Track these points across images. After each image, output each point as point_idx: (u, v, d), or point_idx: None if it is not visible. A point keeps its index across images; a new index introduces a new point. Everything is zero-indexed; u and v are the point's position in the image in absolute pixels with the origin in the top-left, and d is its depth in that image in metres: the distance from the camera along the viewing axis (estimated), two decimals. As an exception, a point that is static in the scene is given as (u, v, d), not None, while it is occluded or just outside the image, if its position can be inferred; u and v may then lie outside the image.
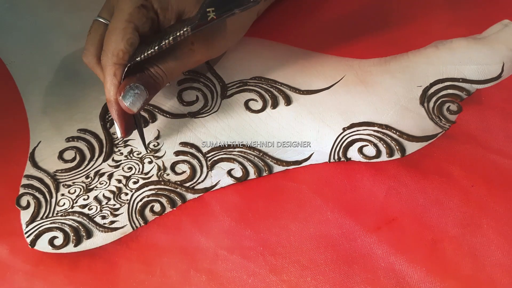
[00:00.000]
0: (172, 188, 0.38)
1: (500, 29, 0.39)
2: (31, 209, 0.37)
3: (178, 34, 0.32)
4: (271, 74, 0.42)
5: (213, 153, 0.39)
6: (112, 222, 0.37)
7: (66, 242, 0.36)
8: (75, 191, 0.38)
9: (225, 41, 0.38)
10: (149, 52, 0.33)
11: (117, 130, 0.36)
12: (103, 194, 0.38)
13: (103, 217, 0.37)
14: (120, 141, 0.40)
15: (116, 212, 0.37)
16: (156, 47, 0.33)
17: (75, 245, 0.36)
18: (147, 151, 0.39)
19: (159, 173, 0.38)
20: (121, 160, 0.39)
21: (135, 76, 0.34)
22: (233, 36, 0.40)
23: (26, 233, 0.36)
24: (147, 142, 0.39)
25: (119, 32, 0.32)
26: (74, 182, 0.38)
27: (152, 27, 0.34)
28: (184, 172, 0.39)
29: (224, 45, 0.38)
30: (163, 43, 0.33)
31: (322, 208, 0.37)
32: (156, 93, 0.35)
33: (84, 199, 0.37)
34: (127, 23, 0.33)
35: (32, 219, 0.37)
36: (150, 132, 0.40)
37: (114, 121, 0.35)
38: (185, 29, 0.32)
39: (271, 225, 0.37)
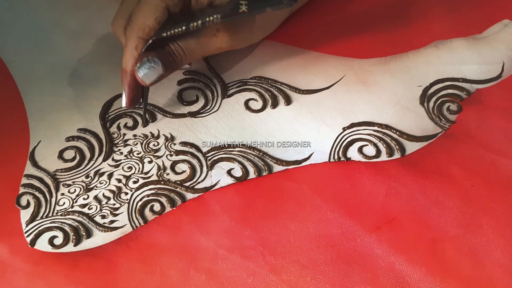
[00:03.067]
0: (172, 188, 0.38)
1: (500, 29, 0.39)
2: (31, 209, 0.37)
3: (207, 19, 0.33)
4: (271, 73, 0.42)
5: (213, 152, 0.39)
6: (112, 221, 0.37)
7: (66, 242, 0.36)
8: (75, 190, 0.38)
9: (251, 35, 0.39)
10: (176, 30, 0.34)
11: (123, 99, 0.37)
12: (103, 194, 0.38)
13: (103, 217, 0.37)
14: (120, 141, 0.40)
15: (116, 212, 0.37)
16: (183, 27, 0.33)
17: (75, 245, 0.36)
18: (143, 124, 0.40)
19: (159, 172, 0.38)
20: (121, 160, 0.39)
21: (154, 51, 0.34)
22: (261, 31, 0.40)
23: (26, 232, 0.36)
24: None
25: (150, 8, 0.33)
26: (74, 182, 0.38)
27: (182, 9, 0.35)
28: (184, 171, 0.39)
29: (249, 38, 0.39)
30: (191, 24, 0.33)
31: (322, 208, 0.37)
32: (172, 71, 0.36)
33: (84, 199, 0.37)
34: (159, 1, 0.33)
35: (32, 218, 0.37)
36: (148, 129, 0.40)
37: (123, 90, 0.36)
38: (215, 16, 0.33)
39: (271, 225, 0.37)
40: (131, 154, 0.39)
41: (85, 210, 0.37)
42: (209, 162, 0.39)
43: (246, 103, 0.41)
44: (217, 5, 0.35)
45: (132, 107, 0.37)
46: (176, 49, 0.35)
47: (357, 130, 0.39)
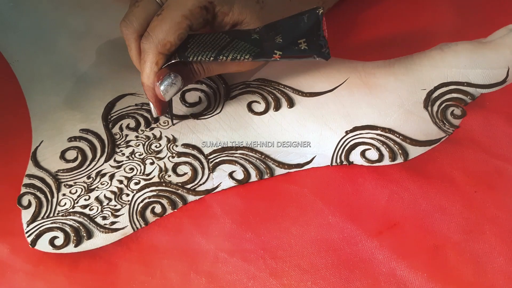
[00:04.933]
0: (173, 190, 0.38)
1: (505, 34, 0.39)
2: (32, 209, 0.37)
3: (238, 57, 0.33)
4: (274, 76, 0.42)
5: (214, 155, 0.39)
6: (113, 223, 0.37)
7: (66, 242, 0.36)
8: (76, 191, 0.38)
9: None
10: (203, 58, 0.33)
11: (153, 110, 0.38)
12: (104, 195, 0.38)
13: (104, 218, 0.37)
14: (122, 142, 0.40)
15: (117, 213, 0.37)
16: (211, 58, 0.33)
17: (76, 246, 0.36)
18: (172, 124, 0.40)
19: (161, 174, 0.38)
20: (122, 161, 0.39)
21: (176, 67, 0.34)
22: None
23: (26, 232, 0.36)
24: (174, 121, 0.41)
25: (174, 25, 0.32)
26: (75, 182, 0.38)
27: (203, 26, 0.34)
28: (185, 173, 0.38)
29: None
30: (220, 57, 0.33)
31: (323, 212, 0.37)
32: (188, 84, 0.36)
33: (85, 199, 0.37)
34: (184, 18, 0.32)
35: (33, 218, 0.37)
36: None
37: (150, 103, 0.37)
38: (246, 57, 0.33)
39: (272, 228, 0.36)
40: (133, 156, 0.39)
41: (86, 211, 0.37)
42: (210, 165, 0.39)
43: (249, 105, 0.40)
44: (242, 31, 0.35)
45: (163, 114, 0.38)
46: (197, 67, 0.35)
47: (360, 133, 0.38)
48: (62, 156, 0.39)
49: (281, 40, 0.34)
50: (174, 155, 0.39)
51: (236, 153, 0.39)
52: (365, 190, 0.38)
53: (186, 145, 0.39)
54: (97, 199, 0.37)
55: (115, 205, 0.37)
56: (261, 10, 0.35)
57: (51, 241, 0.36)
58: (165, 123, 0.40)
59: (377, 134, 0.38)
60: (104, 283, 0.35)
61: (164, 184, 0.38)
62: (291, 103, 0.40)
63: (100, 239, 0.36)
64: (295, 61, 0.33)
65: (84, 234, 0.36)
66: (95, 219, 0.37)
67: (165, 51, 0.33)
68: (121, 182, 0.38)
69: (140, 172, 0.38)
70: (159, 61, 0.33)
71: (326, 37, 0.34)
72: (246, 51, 0.33)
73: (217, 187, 0.38)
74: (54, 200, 0.37)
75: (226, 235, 0.36)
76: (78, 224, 0.36)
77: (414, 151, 0.38)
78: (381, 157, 0.38)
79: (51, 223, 0.37)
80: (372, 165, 0.38)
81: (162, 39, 0.33)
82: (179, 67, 0.34)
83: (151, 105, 0.37)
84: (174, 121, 0.40)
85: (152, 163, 0.39)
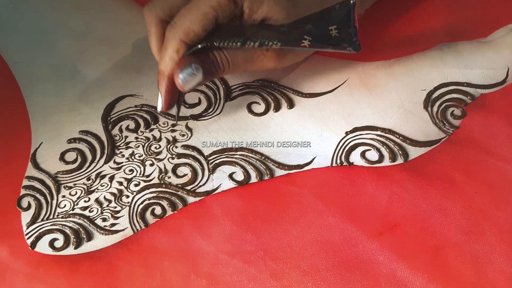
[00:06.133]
0: (173, 191, 0.38)
1: (505, 34, 0.39)
2: (32, 211, 0.37)
3: (266, 43, 0.32)
4: (274, 76, 0.41)
5: (214, 156, 0.39)
6: (113, 224, 0.37)
7: (66, 244, 0.36)
8: (76, 193, 0.38)
9: (295, 56, 0.37)
10: (231, 43, 0.32)
11: (159, 103, 0.35)
12: (104, 196, 0.38)
13: (104, 220, 0.37)
14: (122, 143, 0.40)
15: (117, 215, 0.37)
16: (238, 43, 0.32)
17: (76, 247, 0.36)
18: (176, 123, 0.40)
19: (161, 175, 0.38)
20: (122, 162, 0.39)
21: (199, 58, 0.33)
22: (303, 52, 0.39)
23: (26, 234, 0.36)
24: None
25: (200, 14, 0.32)
26: (75, 184, 0.38)
27: (230, 21, 0.33)
28: (185, 175, 0.38)
29: (293, 59, 0.37)
30: (248, 43, 0.32)
31: (323, 213, 0.37)
32: (210, 79, 0.35)
33: (85, 201, 0.37)
34: (211, 9, 0.32)
35: (33, 220, 0.37)
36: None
37: (160, 94, 0.35)
38: (275, 42, 0.32)
39: (272, 230, 0.36)
40: (132, 157, 0.39)
41: (86, 212, 0.37)
42: (210, 166, 0.39)
43: (249, 106, 0.40)
44: (271, 25, 0.34)
45: (169, 110, 0.36)
46: (221, 59, 0.34)
47: (360, 134, 0.38)
48: (62, 157, 0.39)
49: (311, 26, 0.33)
50: (174, 156, 0.39)
51: (236, 154, 0.39)
52: (365, 191, 0.38)
53: (186, 147, 0.39)
54: (97, 200, 0.37)
55: (115, 207, 0.37)
56: (292, 7, 0.34)
57: (51, 243, 0.36)
58: (164, 124, 0.40)
59: (377, 135, 0.38)
60: (104, 285, 0.35)
61: (164, 186, 0.38)
62: (290, 104, 0.40)
63: (100, 241, 0.36)
64: (324, 50, 0.32)
65: (84, 236, 0.36)
66: (95, 221, 0.37)
67: (187, 40, 0.32)
68: (121, 183, 0.38)
69: (140, 174, 0.38)
70: (180, 49, 0.32)
71: (357, 28, 0.33)
72: (274, 38, 0.32)
73: (217, 188, 0.38)
74: (54, 202, 0.37)
75: (226, 236, 0.36)
76: (78, 226, 0.36)
77: (414, 152, 0.38)
78: (381, 157, 0.38)
79: (51, 225, 0.36)
80: (372, 166, 0.38)
81: (186, 28, 0.32)
82: (201, 59, 0.33)
83: (159, 97, 0.35)
84: (178, 121, 0.39)
85: (152, 165, 0.39)
